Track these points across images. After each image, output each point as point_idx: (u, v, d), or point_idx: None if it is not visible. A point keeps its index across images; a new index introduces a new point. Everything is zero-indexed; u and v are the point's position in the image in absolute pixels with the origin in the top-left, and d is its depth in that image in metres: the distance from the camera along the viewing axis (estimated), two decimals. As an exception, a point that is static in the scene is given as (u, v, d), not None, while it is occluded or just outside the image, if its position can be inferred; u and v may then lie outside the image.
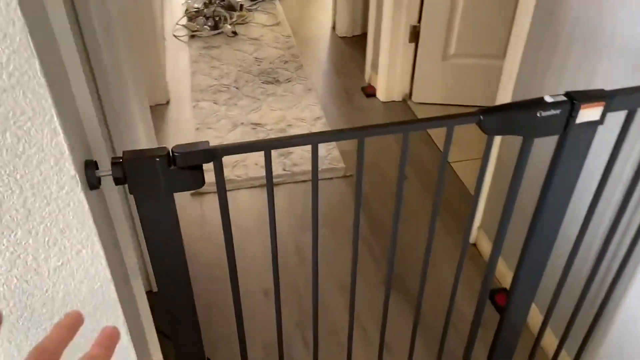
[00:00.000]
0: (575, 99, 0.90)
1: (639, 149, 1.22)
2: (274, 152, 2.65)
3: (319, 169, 2.67)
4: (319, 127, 2.84)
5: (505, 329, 1.28)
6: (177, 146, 0.81)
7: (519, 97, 1.71)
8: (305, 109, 3.00)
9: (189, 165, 0.81)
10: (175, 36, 3.76)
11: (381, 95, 3.07)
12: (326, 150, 2.67)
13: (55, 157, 0.71)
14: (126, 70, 1.41)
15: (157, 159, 0.79)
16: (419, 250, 2.13)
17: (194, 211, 2.31)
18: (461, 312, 1.90)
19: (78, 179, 0.74)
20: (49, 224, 0.77)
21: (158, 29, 3.09)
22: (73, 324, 0.43)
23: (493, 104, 2.91)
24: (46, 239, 0.78)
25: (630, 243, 1.21)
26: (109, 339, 0.43)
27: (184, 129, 2.85)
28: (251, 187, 2.44)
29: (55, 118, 0.68)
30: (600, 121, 0.94)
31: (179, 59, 3.51)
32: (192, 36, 3.75)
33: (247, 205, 2.35)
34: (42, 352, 0.40)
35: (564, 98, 0.91)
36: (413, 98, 3.05)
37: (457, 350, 1.77)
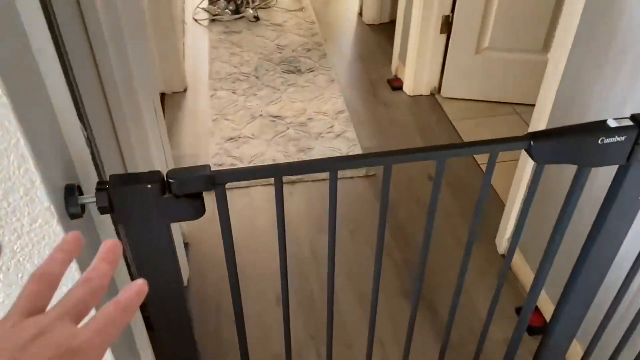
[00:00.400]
0: (644, 124, 0.76)
1: None
2: (292, 147, 2.54)
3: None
4: (341, 122, 2.71)
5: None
6: (172, 171, 0.69)
7: (564, 99, 1.55)
8: (327, 101, 2.87)
9: (186, 194, 0.70)
10: (195, 20, 3.64)
11: (408, 88, 2.92)
12: (347, 147, 2.54)
13: (25, 187, 0.60)
14: (134, 67, 1.29)
15: (149, 186, 0.68)
16: (442, 259, 1.99)
17: (208, 207, 2.21)
18: (489, 333, 1.77)
19: (53, 210, 0.63)
20: (21, 259, 0.66)
21: (178, 12, 2.98)
22: (73, 247, 0.38)
23: (529, 101, 2.74)
24: (19, 275, 0.68)
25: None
26: (111, 253, 0.38)
27: (200, 119, 2.74)
28: (267, 185, 2.33)
29: (22, 142, 0.57)
30: (672, 147, 0.79)
31: (198, 44, 3.40)
32: (213, 20, 3.62)
33: (262, 204, 2.24)
34: (43, 276, 0.36)
35: (631, 122, 0.77)
36: (442, 92, 2.88)
37: (481, 372, 1.65)
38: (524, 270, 1.91)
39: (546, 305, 1.77)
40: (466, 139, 2.59)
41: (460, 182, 2.34)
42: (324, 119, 2.73)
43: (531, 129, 1.75)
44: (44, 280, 0.36)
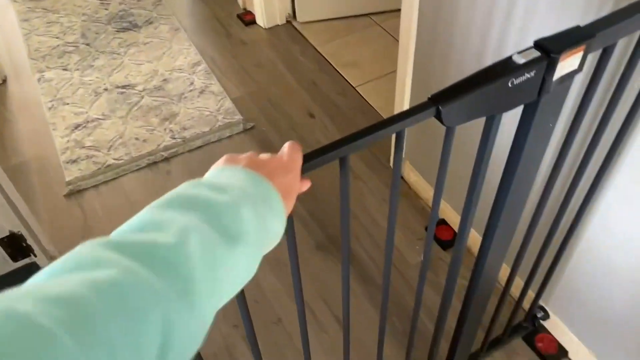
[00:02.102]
0: (551, 51, 0.65)
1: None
2: (154, 119, 2.23)
3: (215, 126, 2.29)
4: (200, 75, 2.42)
5: (475, 295, 1.12)
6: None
7: (428, 4, 1.44)
8: (178, 55, 2.54)
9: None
10: (-11, -11, 2.98)
11: (262, 21, 2.67)
12: (215, 102, 2.29)
13: None
14: None
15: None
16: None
17: (73, 216, 1.90)
18: (400, 251, 1.76)
19: None
20: None
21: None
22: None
23: (385, 8, 2.63)
24: None
25: (591, 185, 1.06)
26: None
27: (33, 111, 2.30)
28: (138, 169, 2.05)
29: None
30: (579, 69, 0.71)
31: (3, 22, 2.81)
32: (12, -15, 2.99)
33: (139, 194, 1.97)
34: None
35: (537, 52, 0.66)
36: (298, 18, 2.67)
37: (405, 295, 1.64)
38: (423, 186, 1.89)
39: (453, 218, 1.78)
40: (336, 63, 2.45)
41: (340, 113, 2.23)
42: (180, 76, 2.42)
43: (402, 41, 1.64)
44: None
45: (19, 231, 1.48)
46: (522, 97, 0.69)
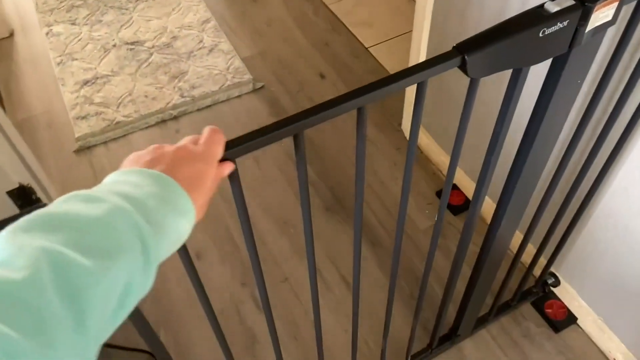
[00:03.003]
0: (586, 0, 0.62)
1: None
2: (163, 76, 2.19)
3: (224, 85, 2.26)
4: (210, 33, 2.37)
5: (486, 262, 1.11)
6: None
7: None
8: (187, 11, 2.48)
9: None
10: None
11: (273, -23, 2.58)
12: (225, 61, 2.24)
13: None
14: None
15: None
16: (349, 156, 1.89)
17: (83, 172, 1.89)
18: (410, 216, 1.75)
19: None
20: None
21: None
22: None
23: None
24: None
25: (613, 149, 1.02)
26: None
27: (42, 66, 2.27)
28: (147, 127, 2.02)
29: None
30: (613, 21, 0.67)
31: (9, -29, 2.74)
32: None
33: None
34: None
35: (571, 1, 0.62)
36: (311, -26, 2.58)
37: (414, 259, 1.64)
38: (435, 150, 1.86)
39: (465, 183, 1.75)
40: (349, 22, 2.38)
41: (352, 74, 2.18)
42: (190, 33, 2.37)
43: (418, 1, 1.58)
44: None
45: (28, 184, 1.47)
46: (552, 49, 0.65)
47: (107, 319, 0.38)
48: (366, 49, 2.28)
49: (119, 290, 0.39)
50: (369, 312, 1.52)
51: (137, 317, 0.73)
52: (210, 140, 0.53)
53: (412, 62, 1.78)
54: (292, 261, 1.64)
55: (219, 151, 0.54)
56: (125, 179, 0.44)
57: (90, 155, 1.94)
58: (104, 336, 0.39)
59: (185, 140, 0.53)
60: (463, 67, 0.59)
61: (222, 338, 0.87)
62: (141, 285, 0.41)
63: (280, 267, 1.63)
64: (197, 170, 0.49)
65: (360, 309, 1.52)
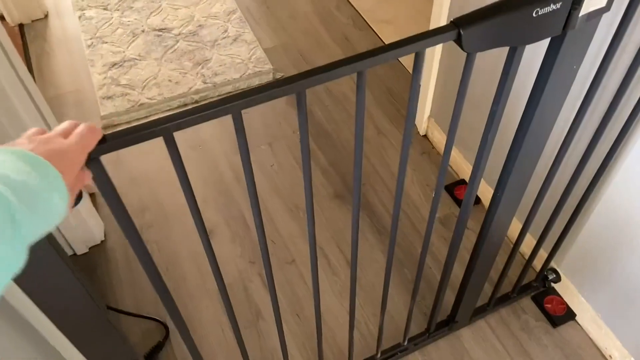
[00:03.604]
0: (579, -16, 0.66)
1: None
2: (187, 62, 2.27)
3: (245, 74, 2.31)
4: (235, 23, 2.44)
5: (484, 246, 1.14)
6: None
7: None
8: (214, 2, 2.56)
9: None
10: None
11: (300, -28, 2.65)
12: (247, 51, 2.31)
13: None
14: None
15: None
16: (364, 149, 1.94)
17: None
18: (417, 207, 1.79)
19: None
20: None
21: None
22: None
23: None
24: None
25: (612, 143, 1.05)
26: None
27: (73, 47, 2.37)
28: (169, 110, 2.10)
29: None
30: (607, 7, 0.71)
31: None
32: None
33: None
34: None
35: (565, -16, 0.66)
36: (336, -28, 2.64)
37: (419, 249, 1.67)
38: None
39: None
40: (370, 19, 2.43)
41: (371, 70, 2.23)
42: (215, 23, 2.45)
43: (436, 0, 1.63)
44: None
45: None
46: (547, 30, 0.69)
47: None
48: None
49: None
50: (372, 297, 1.56)
51: (158, 282, 0.78)
52: (81, 135, 0.53)
53: (427, 58, 1.82)
54: (300, 244, 1.69)
55: (91, 145, 0.54)
56: None
57: (114, 133, 2.02)
58: None
59: (56, 131, 0.53)
60: (459, 41, 0.64)
61: (230, 309, 0.92)
62: (9, 260, 0.40)
63: (288, 249, 1.69)
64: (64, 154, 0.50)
65: (363, 293, 1.56)
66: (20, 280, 0.61)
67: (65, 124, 0.54)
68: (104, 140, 0.55)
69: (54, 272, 0.63)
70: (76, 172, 0.51)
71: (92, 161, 0.55)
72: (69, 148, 0.50)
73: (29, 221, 0.41)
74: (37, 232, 0.43)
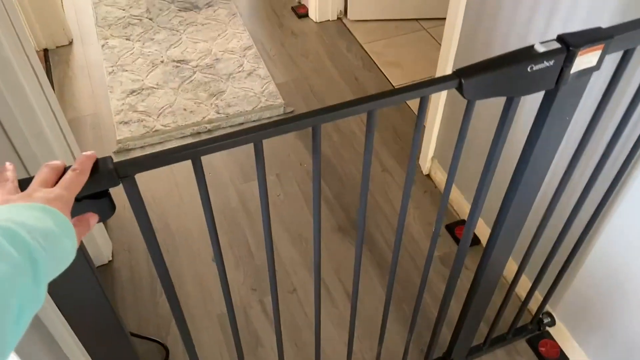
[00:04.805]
0: (570, 45, 0.73)
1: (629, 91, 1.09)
2: (202, 93, 2.37)
3: (257, 107, 2.40)
4: (250, 58, 2.55)
5: (481, 284, 1.19)
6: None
7: (473, 10, 1.52)
8: (232, 38, 2.68)
9: (88, 195, 0.59)
10: (67, -42, 3.19)
11: (314, 14, 2.78)
12: (260, 85, 2.41)
13: None
14: None
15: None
16: (370, 186, 2.00)
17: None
18: (419, 245, 1.83)
19: None
20: None
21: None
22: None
23: (434, 15, 2.71)
24: None
25: (609, 186, 1.11)
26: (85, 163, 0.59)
27: (94, 74, 2.47)
28: (182, 137, 2.18)
29: None
30: (597, 67, 0.78)
31: (76, -13, 3.01)
32: (88, -43, 3.20)
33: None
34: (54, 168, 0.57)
35: (558, 45, 0.73)
36: (349, 16, 2.77)
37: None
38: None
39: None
40: (379, 61, 2.54)
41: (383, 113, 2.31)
42: (231, 57, 2.56)
43: (444, 45, 1.72)
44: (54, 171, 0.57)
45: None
46: (541, 84, 0.76)
47: (5, 333, 0.40)
48: (393, 86, 2.42)
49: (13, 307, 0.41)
50: (370, 331, 1.59)
51: (175, 303, 0.83)
52: (70, 181, 0.55)
53: (433, 102, 1.90)
54: (301, 273, 1.73)
55: (78, 189, 0.56)
56: (8, 209, 0.48)
57: (128, 157, 2.09)
58: (5, 353, 0.40)
59: (35, 183, 0.55)
60: (460, 89, 0.71)
61: (237, 338, 0.97)
62: (32, 302, 0.44)
63: (290, 278, 1.73)
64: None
65: (361, 326, 1.59)
66: (54, 290, 0.66)
67: (43, 173, 0.56)
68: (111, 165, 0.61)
69: (84, 285, 0.68)
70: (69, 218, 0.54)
71: (126, 179, 0.61)
72: (63, 195, 0.53)
73: (47, 265, 0.46)
74: (52, 276, 0.48)
